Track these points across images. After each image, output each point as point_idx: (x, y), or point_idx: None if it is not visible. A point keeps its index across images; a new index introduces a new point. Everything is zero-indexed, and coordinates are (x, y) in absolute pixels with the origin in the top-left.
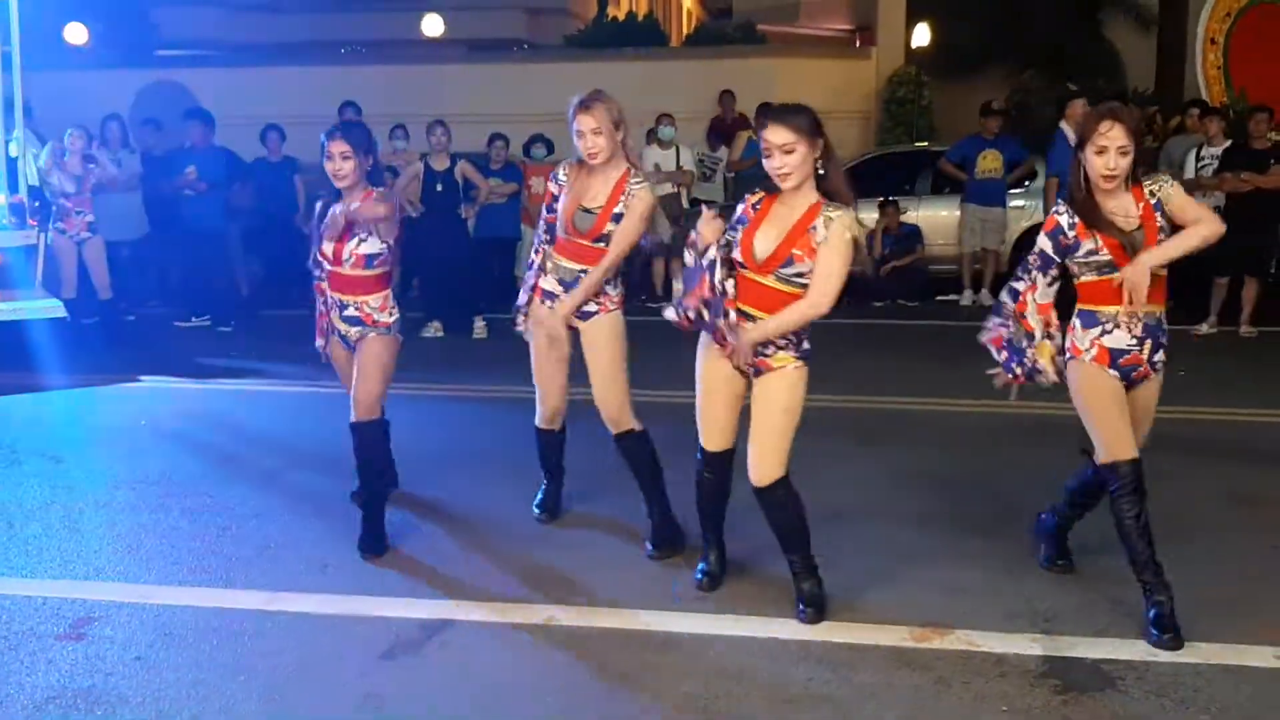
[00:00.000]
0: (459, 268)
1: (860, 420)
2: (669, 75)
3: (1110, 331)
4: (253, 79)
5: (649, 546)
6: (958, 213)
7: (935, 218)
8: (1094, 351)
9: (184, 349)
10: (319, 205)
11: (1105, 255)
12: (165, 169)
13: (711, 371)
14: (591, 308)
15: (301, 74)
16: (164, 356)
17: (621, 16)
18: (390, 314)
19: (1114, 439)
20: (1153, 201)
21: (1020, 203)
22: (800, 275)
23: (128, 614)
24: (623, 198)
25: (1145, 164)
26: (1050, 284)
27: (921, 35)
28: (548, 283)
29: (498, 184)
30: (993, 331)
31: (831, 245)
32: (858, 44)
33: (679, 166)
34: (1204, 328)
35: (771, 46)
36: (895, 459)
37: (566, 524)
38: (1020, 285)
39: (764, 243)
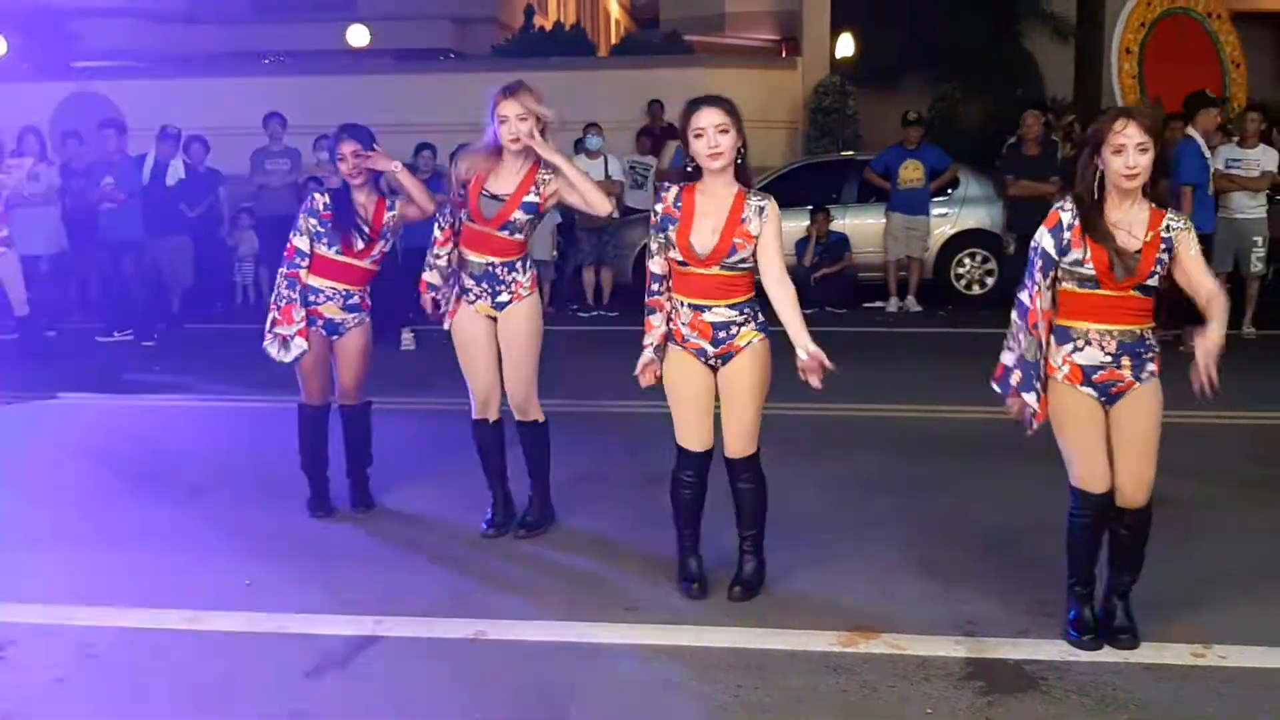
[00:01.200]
0: (386, 278)
1: (789, 427)
2: (597, 85)
3: (1082, 349)
4: (174, 90)
5: (520, 529)
6: (884, 221)
7: (862, 226)
8: (1066, 369)
9: (105, 364)
10: (322, 198)
11: (1090, 269)
12: (85, 181)
13: (680, 373)
14: (505, 297)
15: (223, 85)
16: (85, 372)
17: (549, 26)
18: (370, 298)
19: (1085, 469)
20: (1164, 235)
21: (944, 210)
22: (744, 260)
23: (47, 636)
24: (533, 188)
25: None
26: (1050, 287)
27: (846, 46)
28: (462, 280)
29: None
30: (997, 366)
31: (773, 230)
32: (783, 54)
33: (607, 176)
34: None
35: (699, 57)
36: (824, 465)
37: (494, 536)
38: (1025, 295)
39: (701, 238)
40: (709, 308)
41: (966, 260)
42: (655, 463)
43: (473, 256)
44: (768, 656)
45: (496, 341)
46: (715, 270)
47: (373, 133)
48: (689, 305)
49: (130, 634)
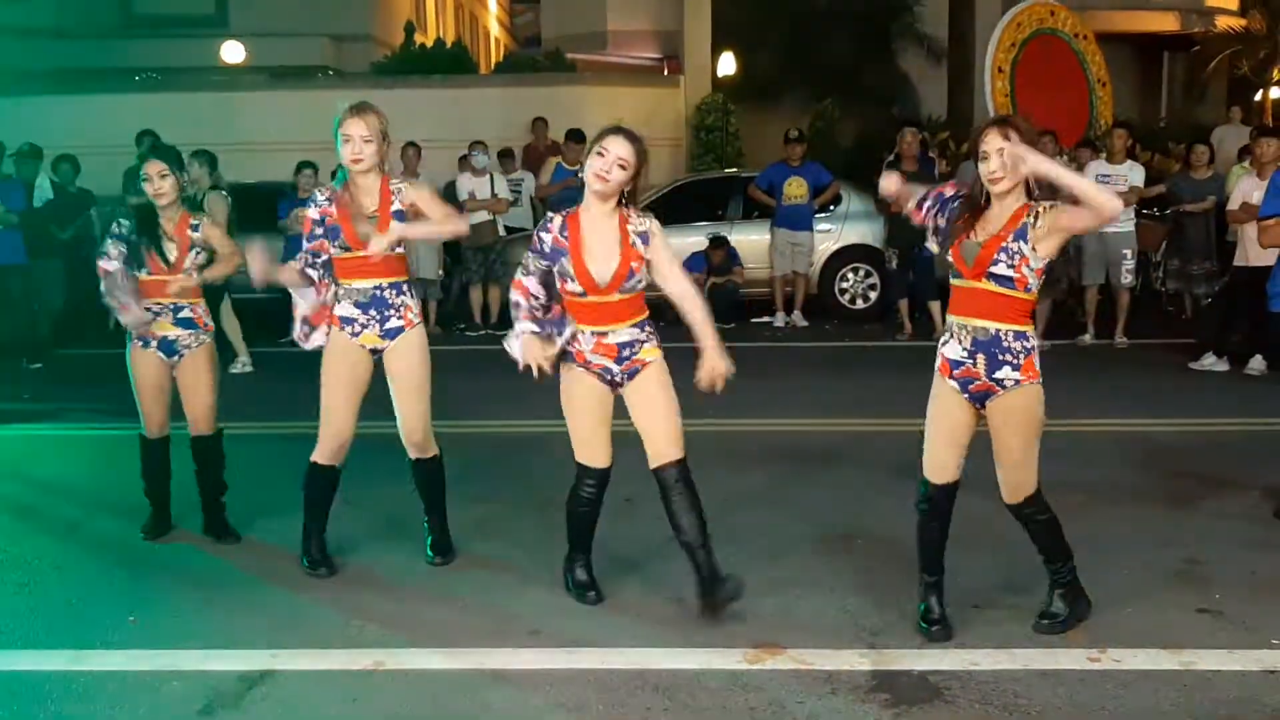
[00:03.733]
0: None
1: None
2: (479, 103)
3: (948, 341)
4: (40, 108)
5: (431, 554)
6: (769, 237)
7: (747, 242)
8: (939, 360)
9: None
10: (128, 223)
11: (950, 257)
12: None
13: (579, 391)
14: (395, 322)
15: (94, 102)
16: None
17: (429, 44)
18: (211, 318)
19: (927, 455)
20: (1020, 225)
21: (827, 227)
22: (640, 281)
23: None
24: (394, 197)
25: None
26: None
27: (727, 64)
28: (343, 309)
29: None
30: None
31: (661, 242)
32: (666, 72)
33: (494, 194)
34: None
35: (582, 75)
36: (714, 481)
37: (385, 564)
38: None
39: (598, 266)
40: (612, 331)
41: (850, 275)
42: (547, 484)
43: (358, 283)
44: (675, 677)
45: (365, 382)
46: (615, 297)
47: (180, 154)
48: (592, 332)
49: (6, 679)
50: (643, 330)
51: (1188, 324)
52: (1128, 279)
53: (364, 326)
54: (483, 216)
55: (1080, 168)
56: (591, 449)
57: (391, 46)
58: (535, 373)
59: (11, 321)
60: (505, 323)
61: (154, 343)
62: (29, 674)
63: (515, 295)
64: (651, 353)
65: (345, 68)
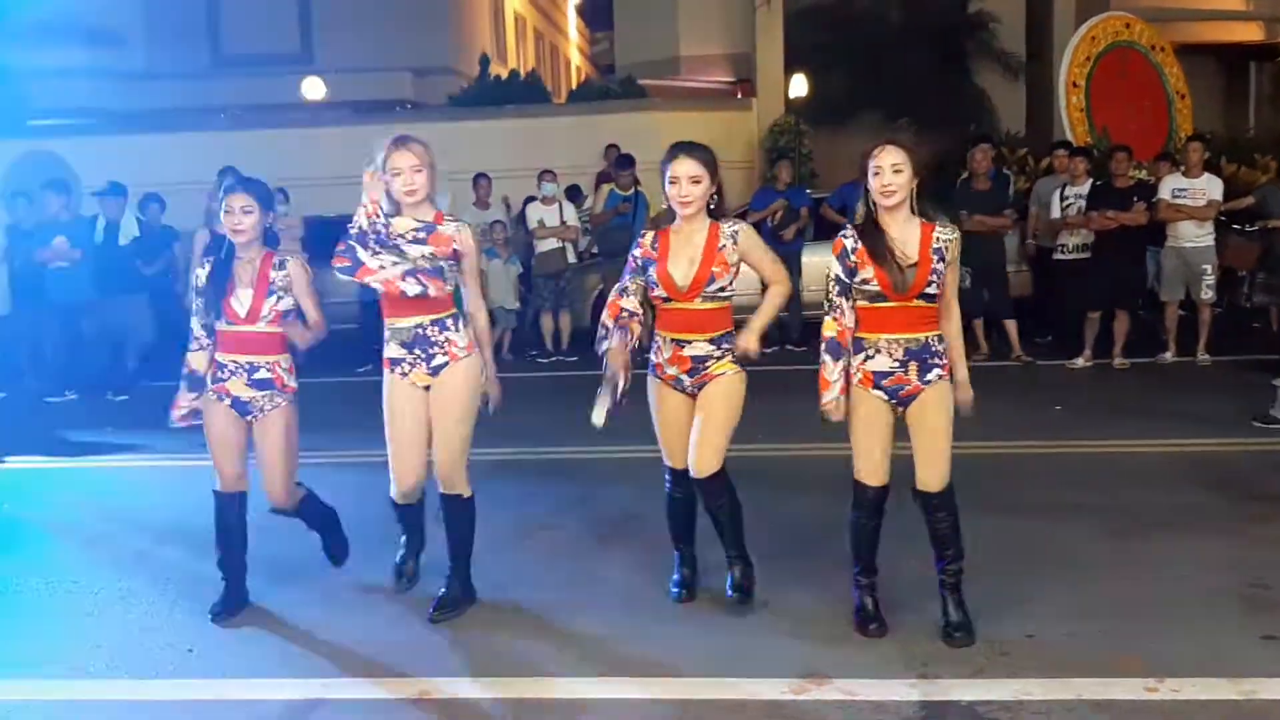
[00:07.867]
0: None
1: (737, 468)
2: (553, 131)
3: (873, 356)
4: (130, 147)
5: (436, 610)
6: None
7: (820, 263)
8: (860, 375)
9: (55, 426)
10: (204, 271)
11: (875, 286)
12: (31, 241)
13: (662, 402)
14: (440, 359)
15: (179, 140)
16: (33, 435)
17: (505, 75)
18: (294, 377)
19: (865, 462)
20: (936, 246)
21: None
22: (722, 290)
23: None
24: (449, 236)
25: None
26: (853, 308)
27: (799, 86)
28: (391, 350)
29: None
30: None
31: (753, 244)
32: (739, 95)
33: (563, 222)
34: (1079, 362)
35: (654, 100)
36: (769, 507)
37: (425, 594)
38: (829, 326)
39: (680, 270)
40: (689, 342)
41: None
42: (610, 510)
43: (400, 322)
44: (717, 707)
45: (425, 418)
46: (696, 304)
47: (269, 187)
48: (671, 340)
49: (61, 708)
50: (719, 347)
51: (1275, 339)
52: (1209, 294)
53: (412, 365)
54: (552, 244)
55: (1158, 181)
56: (673, 454)
57: (470, 78)
58: (621, 380)
59: (88, 358)
60: (575, 349)
61: (227, 399)
62: (83, 704)
63: (604, 316)
64: (724, 367)
65: (425, 100)
